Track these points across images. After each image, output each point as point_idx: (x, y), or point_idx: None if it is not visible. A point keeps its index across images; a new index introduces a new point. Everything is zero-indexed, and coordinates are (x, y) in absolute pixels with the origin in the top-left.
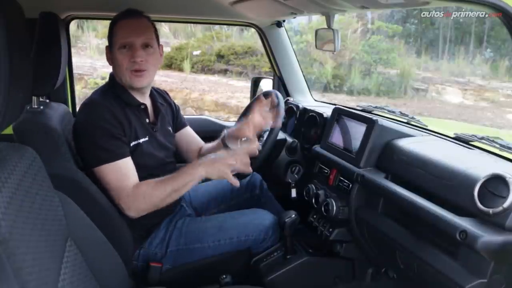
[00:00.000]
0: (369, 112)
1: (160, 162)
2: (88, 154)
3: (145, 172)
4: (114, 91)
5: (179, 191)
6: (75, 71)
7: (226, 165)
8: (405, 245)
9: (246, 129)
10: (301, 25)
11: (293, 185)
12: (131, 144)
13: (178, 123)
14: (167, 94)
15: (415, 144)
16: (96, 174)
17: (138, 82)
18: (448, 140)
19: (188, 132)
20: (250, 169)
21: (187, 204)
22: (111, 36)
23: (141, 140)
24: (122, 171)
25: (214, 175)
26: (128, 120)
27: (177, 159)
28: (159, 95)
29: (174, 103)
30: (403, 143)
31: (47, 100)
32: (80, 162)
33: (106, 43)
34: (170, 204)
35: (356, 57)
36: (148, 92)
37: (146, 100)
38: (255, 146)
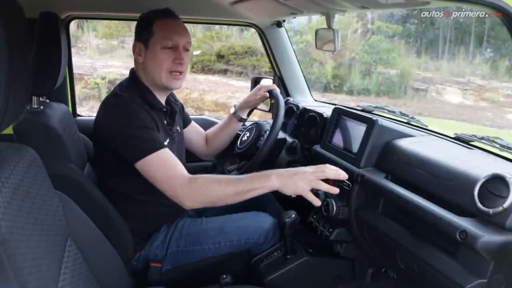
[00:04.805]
0: (369, 112)
1: None
2: (128, 149)
3: None
4: (140, 92)
5: (242, 195)
6: (75, 71)
7: (307, 181)
8: (405, 245)
9: (253, 99)
10: (301, 25)
11: None
12: None
13: (185, 119)
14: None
15: (415, 144)
16: (141, 168)
17: (176, 84)
18: (448, 140)
19: (193, 126)
20: (336, 190)
21: None
22: (148, 34)
23: (165, 143)
24: (170, 160)
25: (289, 190)
26: (155, 122)
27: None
28: (170, 95)
29: (179, 101)
30: (403, 143)
31: (47, 100)
32: (78, 163)
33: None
34: (172, 214)
35: (356, 57)
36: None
37: (165, 102)
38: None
